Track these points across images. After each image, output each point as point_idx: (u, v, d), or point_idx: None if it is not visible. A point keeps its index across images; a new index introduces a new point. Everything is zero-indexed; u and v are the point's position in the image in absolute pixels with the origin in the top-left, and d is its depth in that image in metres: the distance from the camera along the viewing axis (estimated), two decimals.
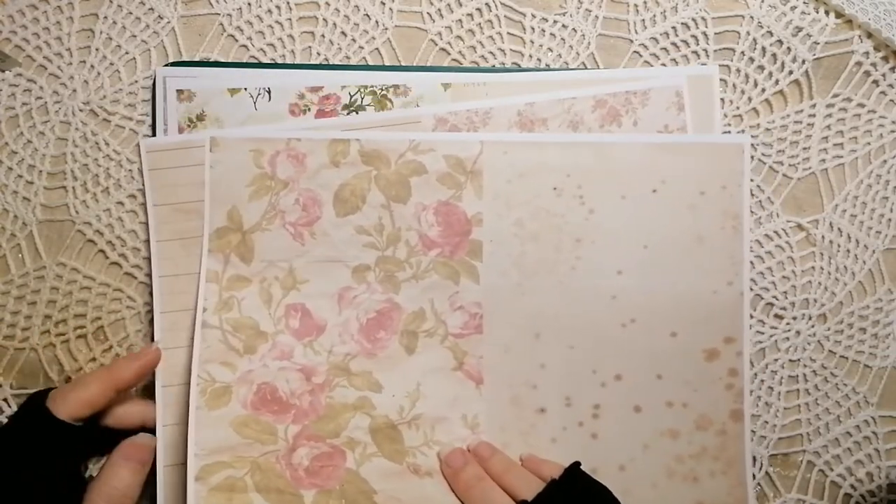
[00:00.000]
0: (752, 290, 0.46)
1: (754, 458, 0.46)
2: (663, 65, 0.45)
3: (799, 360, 0.46)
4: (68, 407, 0.36)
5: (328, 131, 0.42)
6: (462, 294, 0.42)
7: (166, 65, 0.44)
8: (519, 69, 0.45)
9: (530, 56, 0.45)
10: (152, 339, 0.41)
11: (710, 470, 0.43)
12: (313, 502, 0.39)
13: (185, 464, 0.38)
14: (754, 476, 0.46)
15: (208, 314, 0.40)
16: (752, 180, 0.46)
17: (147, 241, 0.42)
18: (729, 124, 0.45)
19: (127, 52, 0.44)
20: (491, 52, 0.45)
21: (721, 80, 0.45)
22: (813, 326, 0.46)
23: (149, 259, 0.42)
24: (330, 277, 0.42)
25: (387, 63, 0.45)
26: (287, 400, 0.41)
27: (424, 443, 0.41)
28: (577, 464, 0.41)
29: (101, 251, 0.43)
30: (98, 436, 0.39)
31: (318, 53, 0.44)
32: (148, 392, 0.41)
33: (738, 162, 0.43)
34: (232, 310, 0.41)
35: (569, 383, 0.42)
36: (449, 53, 0.45)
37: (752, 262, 0.46)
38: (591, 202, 0.43)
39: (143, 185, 0.42)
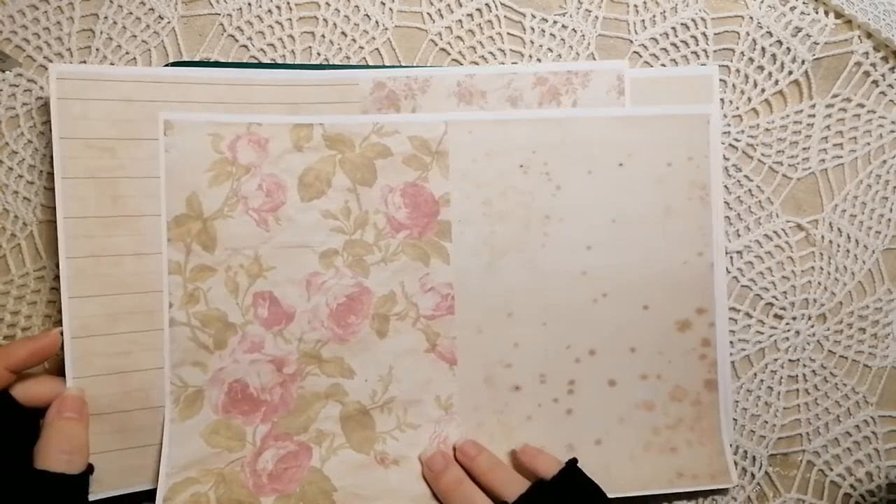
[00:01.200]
0: (751, 289, 0.45)
1: (754, 458, 0.45)
2: (663, 65, 0.45)
3: (799, 360, 0.45)
4: None
5: (290, 116, 0.40)
6: (432, 275, 0.41)
7: (166, 65, 0.43)
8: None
9: (530, 56, 0.44)
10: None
11: (688, 440, 0.42)
12: None
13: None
14: (754, 476, 0.45)
15: (175, 310, 0.39)
16: (751, 180, 0.45)
17: None
18: (729, 124, 0.45)
19: (127, 53, 0.43)
20: (491, 53, 0.44)
21: (721, 80, 0.44)
22: (813, 326, 0.45)
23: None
24: (297, 263, 0.40)
25: (387, 63, 0.44)
26: (258, 396, 0.40)
27: (396, 426, 0.41)
28: (572, 461, 0.39)
29: None
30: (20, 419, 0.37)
31: (318, 53, 0.44)
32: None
33: (703, 132, 0.42)
34: (199, 302, 0.39)
35: (543, 361, 0.42)
36: (449, 54, 0.44)
37: (751, 262, 0.45)
38: (558, 178, 0.41)
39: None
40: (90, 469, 0.37)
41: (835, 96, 0.44)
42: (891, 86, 0.45)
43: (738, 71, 0.44)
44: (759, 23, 0.44)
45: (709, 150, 0.42)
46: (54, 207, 0.43)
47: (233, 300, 0.40)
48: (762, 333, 0.45)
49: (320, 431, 0.40)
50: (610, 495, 0.40)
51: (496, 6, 0.44)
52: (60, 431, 0.36)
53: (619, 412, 0.42)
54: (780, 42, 0.44)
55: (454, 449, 0.41)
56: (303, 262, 0.40)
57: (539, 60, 0.44)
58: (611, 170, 0.42)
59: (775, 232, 0.45)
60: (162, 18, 0.43)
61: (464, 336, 0.41)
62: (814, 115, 0.44)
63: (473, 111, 0.42)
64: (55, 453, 0.35)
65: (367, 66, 0.43)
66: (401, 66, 0.43)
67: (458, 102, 0.42)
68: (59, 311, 0.43)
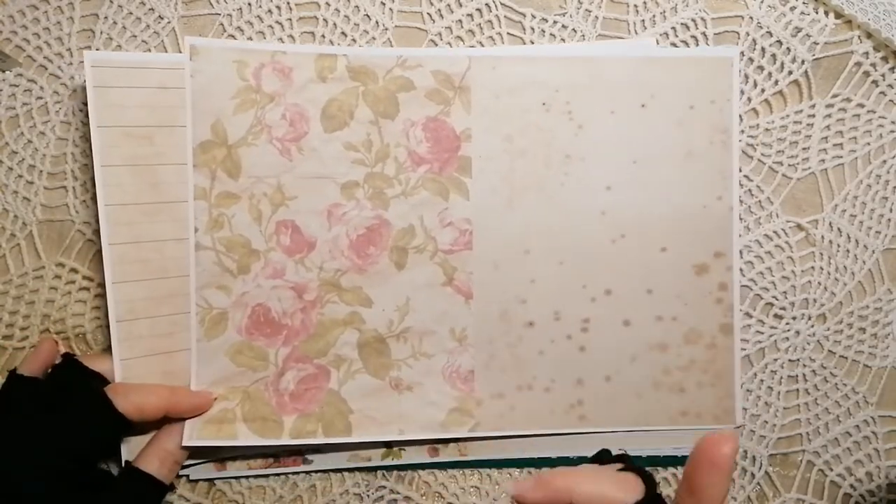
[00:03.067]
0: (751, 289, 0.45)
1: (754, 458, 0.45)
2: None
3: (799, 360, 0.45)
4: (126, 405, 0.36)
5: (314, 46, 0.41)
6: (451, 210, 0.41)
7: None
8: None
9: None
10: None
11: (698, 381, 0.42)
12: (292, 426, 0.40)
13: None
14: (753, 476, 0.44)
15: (200, 234, 0.40)
16: (751, 180, 0.45)
17: None
18: None
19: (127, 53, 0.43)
20: None
21: None
22: (813, 326, 0.45)
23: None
24: (319, 194, 0.41)
25: None
26: (279, 320, 0.41)
27: (411, 355, 0.42)
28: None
29: (101, 251, 0.42)
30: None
31: None
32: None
33: (726, 75, 0.42)
34: (223, 228, 0.40)
35: (558, 298, 0.42)
36: None
37: (751, 262, 0.45)
38: (580, 117, 0.42)
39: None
40: (172, 486, 0.40)
41: (835, 96, 0.44)
42: (891, 86, 0.44)
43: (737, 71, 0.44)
44: (759, 23, 0.44)
45: (731, 93, 0.42)
46: (54, 207, 0.43)
47: (256, 227, 0.41)
48: (762, 333, 0.45)
49: (338, 356, 0.41)
50: (614, 429, 0.41)
51: (496, 6, 0.44)
52: (172, 447, 0.39)
53: (632, 351, 0.42)
54: (780, 42, 0.44)
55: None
56: (324, 192, 0.41)
57: None
58: (633, 111, 0.42)
59: (775, 232, 0.45)
60: (162, 18, 0.43)
61: (480, 271, 0.42)
62: (814, 115, 0.44)
63: (497, 47, 0.43)
64: (157, 462, 0.38)
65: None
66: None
67: None
68: (59, 311, 0.43)
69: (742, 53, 0.44)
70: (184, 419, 0.39)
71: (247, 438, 0.40)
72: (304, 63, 0.40)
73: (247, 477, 0.43)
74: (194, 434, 0.39)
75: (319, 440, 0.40)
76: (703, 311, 0.42)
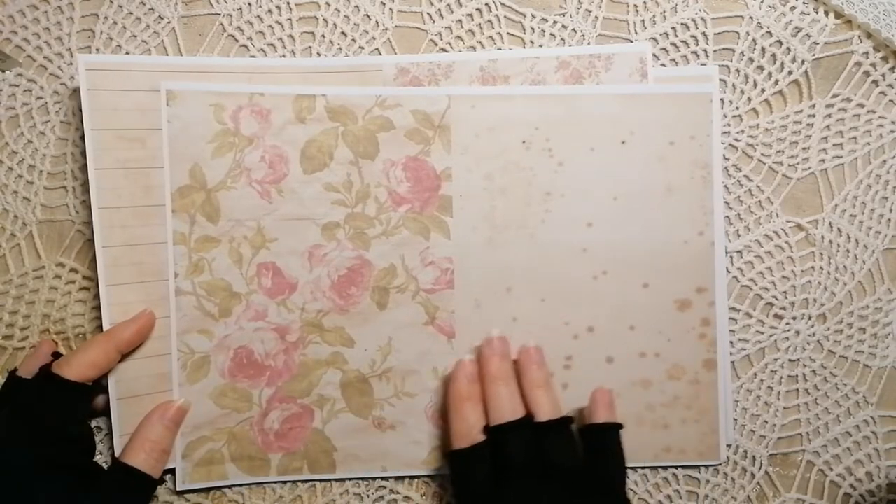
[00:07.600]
0: (751, 289, 0.46)
1: (754, 458, 0.46)
2: (662, 65, 0.45)
3: (798, 359, 0.46)
4: (74, 370, 0.37)
5: (292, 86, 0.42)
6: (433, 250, 0.42)
7: None
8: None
9: None
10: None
11: (682, 418, 0.44)
12: (279, 465, 0.42)
13: (131, 396, 0.41)
14: (753, 476, 0.46)
15: (180, 280, 0.41)
16: (751, 180, 0.46)
17: None
18: (729, 124, 0.45)
19: (127, 53, 0.43)
20: None
21: (720, 80, 0.45)
22: (812, 326, 0.46)
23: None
24: (299, 235, 0.42)
25: None
26: (262, 362, 0.42)
27: (394, 394, 0.43)
28: (616, 426, 0.40)
29: None
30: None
31: (319, 53, 0.44)
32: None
33: (706, 111, 0.43)
34: (203, 272, 0.41)
35: (541, 336, 0.43)
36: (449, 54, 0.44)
37: (751, 262, 0.46)
38: (560, 155, 0.43)
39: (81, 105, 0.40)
40: (162, 480, 0.41)
41: (835, 96, 0.45)
42: (891, 86, 0.45)
43: (738, 71, 0.44)
44: (759, 23, 0.44)
45: (711, 129, 0.43)
46: (54, 207, 0.43)
47: (237, 270, 0.42)
48: (762, 333, 0.45)
49: (321, 396, 0.43)
50: None
51: (496, 6, 0.44)
52: (151, 431, 0.39)
53: (615, 388, 0.43)
54: (780, 42, 0.44)
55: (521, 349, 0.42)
56: (305, 234, 0.42)
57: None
58: (613, 147, 0.43)
59: (775, 232, 0.45)
60: (162, 18, 0.43)
61: (462, 310, 0.43)
62: (814, 115, 0.44)
63: (477, 86, 0.43)
64: (143, 454, 0.38)
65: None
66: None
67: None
68: (59, 311, 0.42)
69: (742, 54, 0.45)
70: (136, 347, 0.40)
71: (237, 477, 0.42)
72: (282, 104, 0.41)
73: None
74: (186, 478, 0.41)
75: (306, 476, 0.43)
76: (686, 346, 0.43)
